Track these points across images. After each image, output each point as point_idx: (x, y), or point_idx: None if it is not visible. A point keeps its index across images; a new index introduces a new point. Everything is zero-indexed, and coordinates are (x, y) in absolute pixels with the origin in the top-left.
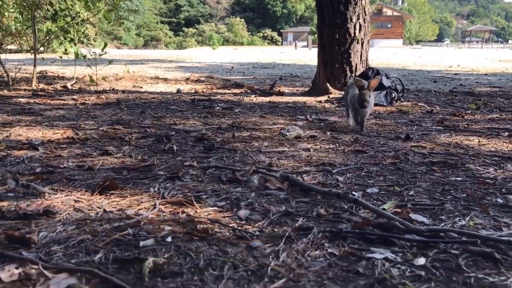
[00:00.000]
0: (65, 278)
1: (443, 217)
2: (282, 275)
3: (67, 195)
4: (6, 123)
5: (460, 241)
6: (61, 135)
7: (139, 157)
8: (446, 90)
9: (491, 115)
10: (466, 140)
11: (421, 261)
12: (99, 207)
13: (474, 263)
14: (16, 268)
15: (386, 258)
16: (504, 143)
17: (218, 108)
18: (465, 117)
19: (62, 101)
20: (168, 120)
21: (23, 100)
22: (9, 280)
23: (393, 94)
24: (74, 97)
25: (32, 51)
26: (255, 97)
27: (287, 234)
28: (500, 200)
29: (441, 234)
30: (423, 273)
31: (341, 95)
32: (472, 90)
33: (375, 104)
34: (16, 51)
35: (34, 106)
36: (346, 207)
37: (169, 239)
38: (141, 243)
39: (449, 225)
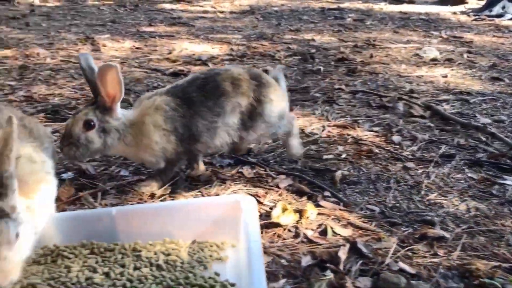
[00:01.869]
0: (284, 178)
1: None
2: (433, 190)
3: None
4: (169, 35)
5: None
6: (219, 50)
7: (293, 77)
8: None
9: None
10: None
11: None
12: None
13: None
14: (251, 168)
15: None
16: None
17: (349, 19)
18: None
19: (201, 8)
20: (305, 35)
21: (166, 6)
22: (250, 177)
23: None
24: (210, 2)
25: None
26: (384, 4)
27: (434, 159)
28: None
29: None
30: None
31: (479, 6)
32: None
33: None
34: None
35: (180, 14)
36: (483, 138)
37: (343, 155)
38: (324, 157)
39: None
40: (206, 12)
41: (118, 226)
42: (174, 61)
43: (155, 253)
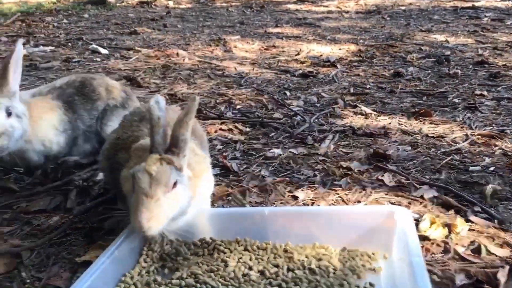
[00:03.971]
0: (428, 189)
1: None
2: None
3: (390, 117)
4: (296, 36)
5: None
6: (347, 51)
7: (428, 81)
8: None
9: None
10: None
11: None
12: (420, 132)
13: None
14: (393, 176)
15: None
16: None
17: (486, 19)
18: None
19: (325, 8)
20: (438, 36)
21: (291, 6)
22: (391, 185)
23: None
24: (334, 2)
25: None
26: None
27: None
28: None
29: None
30: None
31: None
32: None
33: None
34: None
35: (305, 14)
36: None
37: (491, 168)
38: (470, 168)
39: None
40: (330, 12)
41: (269, 226)
42: (302, 63)
43: (307, 257)
